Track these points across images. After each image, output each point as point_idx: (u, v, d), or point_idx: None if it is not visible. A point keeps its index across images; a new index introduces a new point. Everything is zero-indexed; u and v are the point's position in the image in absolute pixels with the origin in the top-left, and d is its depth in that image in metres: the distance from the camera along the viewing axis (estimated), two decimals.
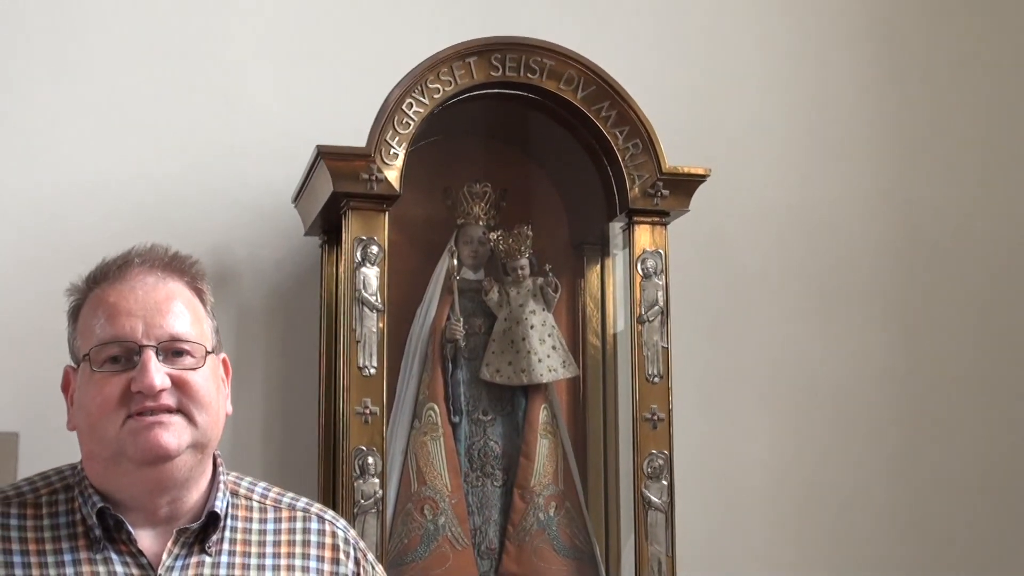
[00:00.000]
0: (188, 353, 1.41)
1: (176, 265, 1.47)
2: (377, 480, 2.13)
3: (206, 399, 1.41)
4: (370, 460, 2.12)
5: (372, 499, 2.11)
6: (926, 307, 2.83)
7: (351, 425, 2.13)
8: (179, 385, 1.38)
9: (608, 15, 2.78)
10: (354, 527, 2.05)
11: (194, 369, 1.41)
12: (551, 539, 2.35)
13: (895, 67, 2.92)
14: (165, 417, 1.37)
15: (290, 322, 2.55)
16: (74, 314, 1.46)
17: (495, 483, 2.41)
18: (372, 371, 2.14)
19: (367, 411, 2.13)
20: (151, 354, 1.37)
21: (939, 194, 2.87)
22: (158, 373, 1.36)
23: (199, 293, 1.48)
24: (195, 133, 2.55)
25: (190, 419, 1.40)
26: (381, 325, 2.16)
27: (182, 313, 1.43)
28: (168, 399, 1.37)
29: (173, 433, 1.38)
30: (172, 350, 1.40)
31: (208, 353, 1.44)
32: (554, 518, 2.37)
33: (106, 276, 1.44)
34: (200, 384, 1.41)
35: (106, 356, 1.38)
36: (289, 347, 2.55)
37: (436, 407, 2.37)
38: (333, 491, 2.28)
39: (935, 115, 2.91)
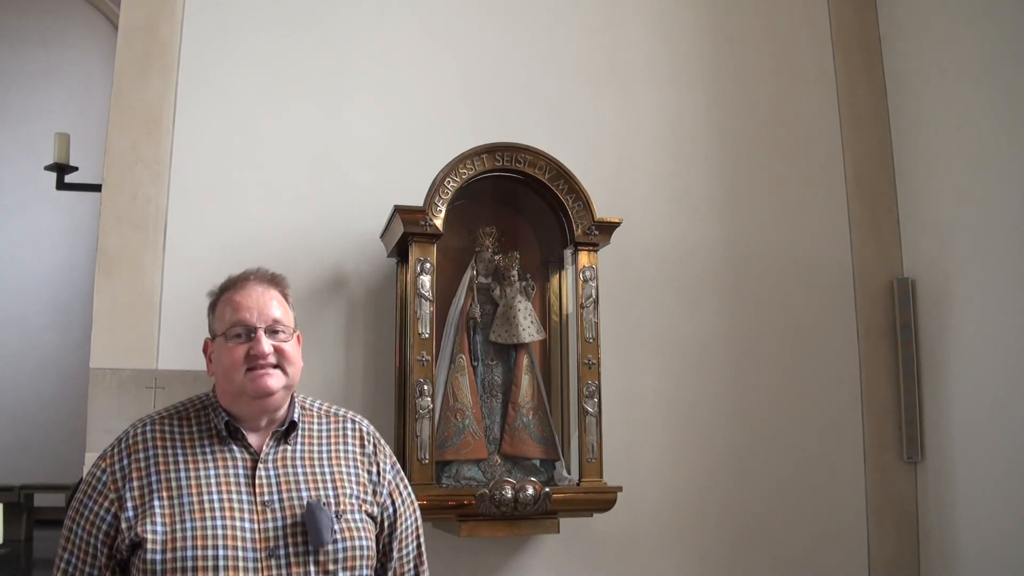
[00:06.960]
0: (282, 332, 1.70)
1: (274, 280, 1.75)
2: (429, 399, 2.55)
3: (292, 358, 1.70)
4: (425, 387, 2.55)
5: (426, 410, 2.55)
6: (742, 292, 3.34)
7: (414, 367, 2.56)
8: (277, 351, 1.67)
9: (563, 126, 3.25)
10: (415, 427, 2.47)
11: (286, 341, 1.70)
12: (530, 433, 2.77)
13: (726, 156, 3.39)
14: (269, 370, 1.66)
15: (379, 308, 2.95)
16: (212, 308, 1.75)
17: (498, 401, 2.79)
18: (426, 335, 2.58)
19: (423, 358, 2.56)
20: (261, 332, 1.66)
21: (747, 230, 3.37)
22: (266, 343, 1.66)
23: (286, 297, 1.76)
24: (326, 199, 3.01)
25: (283, 371, 1.68)
26: (432, 309, 2.59)
27: (278, 308, 1.70)
28: (271, 359, 1.66)
29: (274, 379, 1.67)
30: (273, 329, 1.68)
31: (293, 332, 1.73)
32: (532, 420, 2.77)
33: (232, 285, 1.72)
34: (290, 350, 1.69)
35: (234, 333, 1.66)
36: (379, 322, 2.94)
37: (464, 356, 2.76)
38: (404, 405, 2.69)
39: (750, 185, 3.40)
